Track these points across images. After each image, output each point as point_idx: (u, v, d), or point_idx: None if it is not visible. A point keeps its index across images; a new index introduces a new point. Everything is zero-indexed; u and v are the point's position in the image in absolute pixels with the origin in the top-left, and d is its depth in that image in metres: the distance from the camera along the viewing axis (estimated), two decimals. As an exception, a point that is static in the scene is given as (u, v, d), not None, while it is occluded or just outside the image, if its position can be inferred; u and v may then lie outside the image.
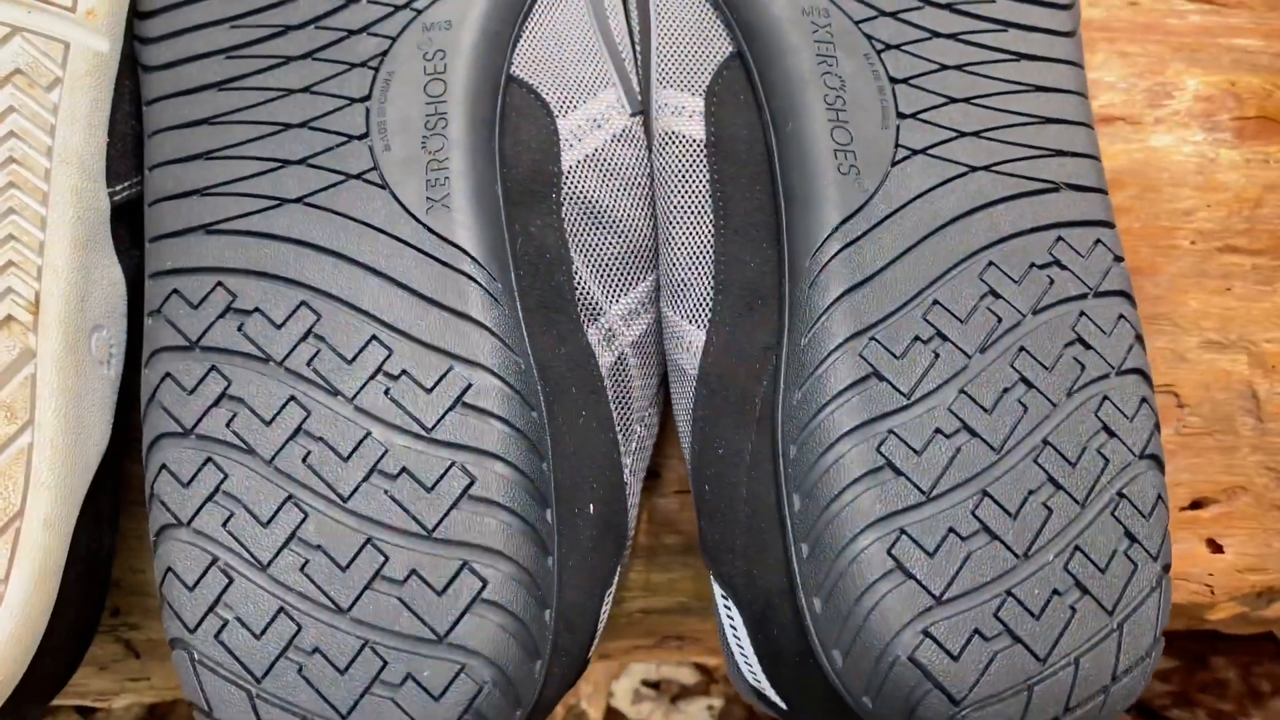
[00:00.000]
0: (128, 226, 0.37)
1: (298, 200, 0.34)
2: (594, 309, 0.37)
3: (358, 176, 0.34)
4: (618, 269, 0.37)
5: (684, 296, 0.36)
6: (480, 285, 0.33)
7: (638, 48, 0.39)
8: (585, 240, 0.37)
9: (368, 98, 0.35)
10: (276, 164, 0.34)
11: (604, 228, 0.37)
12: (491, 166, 0.35)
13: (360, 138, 0.34)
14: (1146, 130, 0.45)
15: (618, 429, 0.37)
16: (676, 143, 0.37)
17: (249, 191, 0.34)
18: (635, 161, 0.38)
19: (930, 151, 0.35)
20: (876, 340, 0.32)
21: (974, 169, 0.35)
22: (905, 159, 0.35)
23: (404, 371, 0.32)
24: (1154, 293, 0.43)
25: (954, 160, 0.35)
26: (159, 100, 0.36)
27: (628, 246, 0.38)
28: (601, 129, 0.37)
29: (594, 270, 0.37)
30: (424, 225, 0.33)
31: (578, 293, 0.36)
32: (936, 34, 0.37)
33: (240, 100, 0.35)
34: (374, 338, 0.32)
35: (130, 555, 0.40)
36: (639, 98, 0.39)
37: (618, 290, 0.37)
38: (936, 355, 0.32)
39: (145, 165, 0.36)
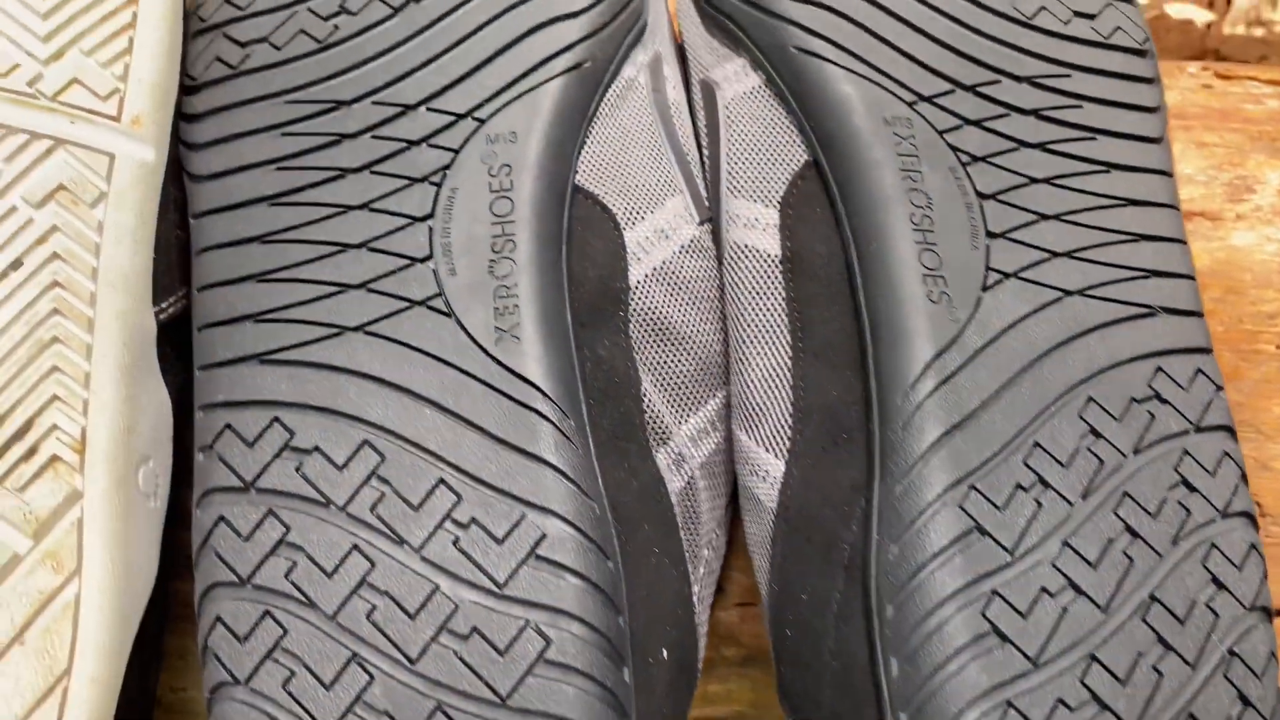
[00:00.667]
0: (173, 343, 0.35)
1: (358, 329, 0.32)
2: (662, 432, 0.35)
3: (422, 303, 0.32)
4: (686, 388, 0.35)
5: (760, 421, 0.35)
6: (553, 423, 0.31)
7: (705, 153, 0.37)
8: (653, 359, 0.35)
9: (430, 216, 0.33)
10: (335, 288, 0.33)
11: (672, 345, 0.35)
12: (560, 289, 0.33)
13: (423, 260, 0.33)
14: (1227, 227, 0.43)
15: (688, 559, 0.35)
16: (750, 257, 0.35)
17: (306, 318, 0.32)
18: (704, 274, 0.36)
19: (1022, 275, 0.33)
20: (977, 489, 0.30)
21: (1068, 293, 0.33)
22: (997, 283, 0.33)
23: (473, 520, 0.30)
24: (1236, 399, 0.42)
25: (1047, 284, 0.33)
26: (207, 214, 0.34)
27: (697, 364, 0.36)
28: (669, 240, 0.35)
29: (662, 390, 0.35)
30: (493, 358, 0.31)
31: (646, 416, 0.34)
32: (1024, 144, 0.35)
33: (294, 217, 0.34)
34: (441, 481, 0.31)
35: (170, 674, 0.38)
36: (706, 204, 0.37)
37: (686, 410, 0.35)
38: (1039, 504, 0.30)
39: (193, 285, 0.34)
